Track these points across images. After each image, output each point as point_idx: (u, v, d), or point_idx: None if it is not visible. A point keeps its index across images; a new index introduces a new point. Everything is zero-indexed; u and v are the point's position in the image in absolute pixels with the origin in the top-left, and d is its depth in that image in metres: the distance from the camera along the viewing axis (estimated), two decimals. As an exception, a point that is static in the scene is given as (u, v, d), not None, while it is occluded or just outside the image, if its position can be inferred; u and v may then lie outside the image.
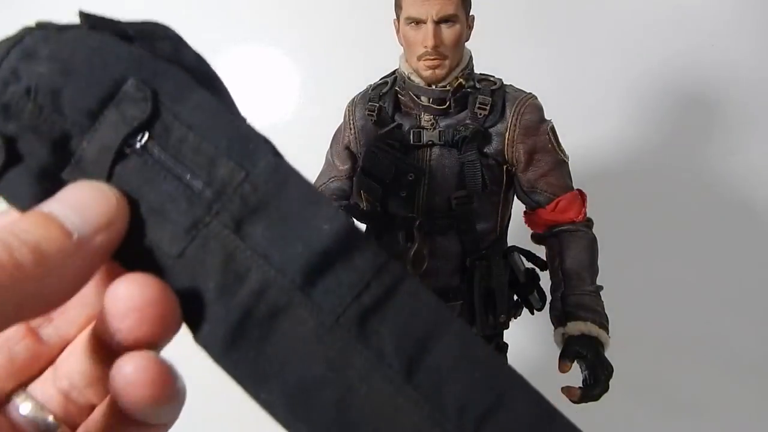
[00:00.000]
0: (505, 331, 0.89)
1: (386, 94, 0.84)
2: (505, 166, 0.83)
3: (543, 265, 0.90)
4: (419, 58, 0.78)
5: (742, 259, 1.44)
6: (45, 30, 0.19)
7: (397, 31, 0.82)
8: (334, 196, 0.90)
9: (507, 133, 0.81)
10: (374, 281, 0.18)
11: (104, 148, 0.19)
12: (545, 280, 0.88)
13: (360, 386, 0.18)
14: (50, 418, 0.19)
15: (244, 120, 0.19)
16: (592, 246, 0.85)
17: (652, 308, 1.42)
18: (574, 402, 0.74)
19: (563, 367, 0.77)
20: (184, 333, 0.19)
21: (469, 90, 0.81)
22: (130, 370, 0.17)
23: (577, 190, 0.86)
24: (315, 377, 0.18)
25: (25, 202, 0.18)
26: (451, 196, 0.81)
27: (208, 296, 0.18)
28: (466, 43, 0.81)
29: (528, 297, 0.88)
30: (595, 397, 0.75)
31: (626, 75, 1.44)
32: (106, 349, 0.19)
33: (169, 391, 0.18)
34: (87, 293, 0.18)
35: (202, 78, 0.20)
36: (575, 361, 0.77)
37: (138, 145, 0.19)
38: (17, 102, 0.18)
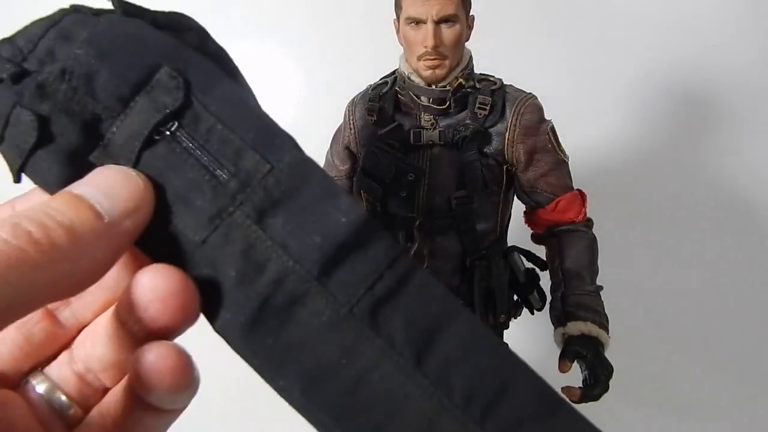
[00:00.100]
0: (505, 331, 0.89)
1: (386, 94, 0.84)
2: (505, 166, 0.83)
3: (543, 265, 0.90)
4: (419, 58, 0.78)
5: (743, 259, 1.44)
6: (82, 13, 0.19)
7: (397, 31, 0.82)
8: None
9: (507, 133, 0.81)
10: (387, 272, 0.19)
11: (134, 134, 0.19)
12: (545, 280, 0.88)
13: (372, 373, 0.18)
14: (63, 398, 0.20)
15: (267, 114, 0.20)
16: (592, 246, 0.85)
17: (652, 308, 1.42)
18: (575, 402, 0.74)
19: (563, 367, 0.77)
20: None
21: (469, 90, 0.81)
22: (152, 358, 0.18)
23: (577, 190, 0.86)
24: (330, 364, 0.18)
25: (52, 183, 0.19)
26: (451, 196, 0.81)
27: (229, 284, 0.19)
28: (466, 43, 0.81)
29: (528, 297, 0.88)
30: (596, 397, 0.75)
31: (626, 75, 1.44)
32: (124, 336, 0.20)
33: (187, 379, 0.19)
34: (105, 278, 0.19)
35: (226, 70, 0.21)
36: (575, 361, 0.77)
37: (167, 133, 0.19)
38: (52, 82, 0.18)
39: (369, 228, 0.19)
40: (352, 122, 0.88)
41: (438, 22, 0.75)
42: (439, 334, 0.19)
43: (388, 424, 0.18)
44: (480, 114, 0.80)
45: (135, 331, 0.19)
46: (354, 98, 0.90)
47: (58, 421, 0.20)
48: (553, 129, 0.83)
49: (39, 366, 0.20)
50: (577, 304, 0.80)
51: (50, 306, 0.21)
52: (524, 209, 0.91)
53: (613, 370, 0.76)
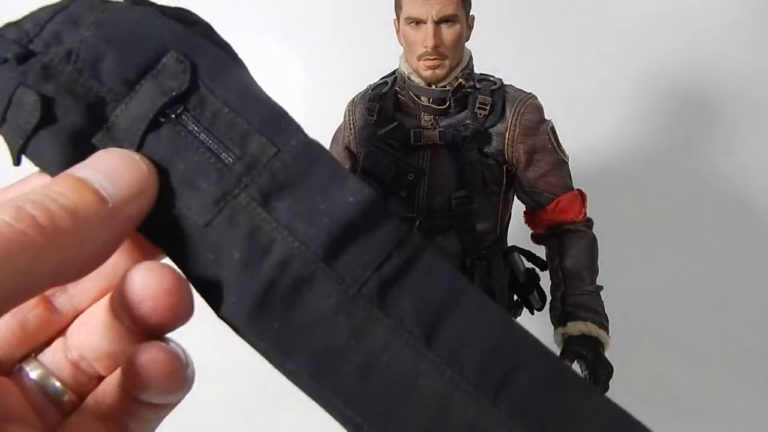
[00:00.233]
0: (505, 331, 0.89)
1: (386, 94, 0.84)
2: (505, 166, 0.83)
3: (543, 265, 0.90)
4: (419, 58, 0.78)
5: (742, 259, 1.44)
6: (90, 0, 0.19)
7: (397, 31, 0.82)
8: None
9: (507, 133, 0.81)
10: (395, 252, 0.19)
11: (138, 117, 0.19)
12: (545, 280, 0.88)
13: (382, 354, 0.18)
14: (57, 384, 0.20)
15: (272, 99, 0.20)
16: (592, 246, 0.85)
17: (652, 308, 1.42)
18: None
19: (563, 367, 0.77)
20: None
21: (469, 90, 0.81)
22: (144, 361, 0.18)
23: (577, 190, 0.86)
24: (339, 346, 0.18)
25: (54, 164, 0.18)
26: (451, 196, 0.81)
27: (233, 268, 0.18)
28: (466, 43, 0.81)
29: (528, 297, 0.88)
30: (595, 397, 0.75)
31: (626, 75, 1.44)
32: (118, 327, 0.19)
33: (179, 381, 0.19)
34: (104, 264, 0.18)
35: (233, 58, 0.21)
36: (575, 361, 0.77)
37: (173, 116, 0.19)
38: (57, 64, 0.18)
39: (376, 208, 0.19)
40: (352, 122, 0.88)
41: (438, 22, 0.75)
42: (449, 313, 0.19)
43: (400, 404, 0.18)
44: (480, 114, 0.80)
45: (128, 325, 0.19)
46: (354, 98, 0.90)
47: (53, 407, 0.20)
48: (553, 129, 0.83)
49: (33, 352, 0.20)
50: (577, 304, 0.80)
51: (47, 291, 0.20)
52: (524, 209, 0.91)
53: (613, 370, 0.76)
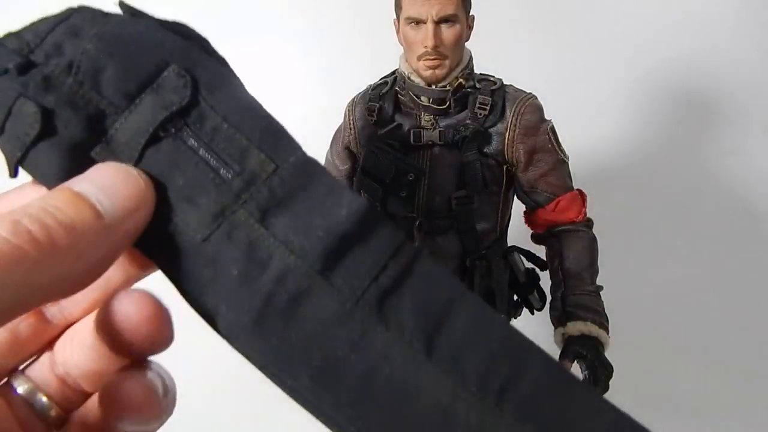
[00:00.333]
0: (505, 331, 0.89)
1: (386, 94, 0.84)
2: (505, 166, 0.83)
3: (543, 265, 0.90)
4: (419, 58, 0.78)
5: (742, 259, 1.44)
6: (91, 12, 0.19)
7: (397, 31, 0.82)
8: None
9: (507, 133, 0.81)
10: (391, 262, 0.19)
11: (138, 131, 0.19)
12: (545, 280, 0.88)
13: (383, 366, 0.18)
14: (44, 399, 0.20)
15: (272, 115, 0.20)
16: (592, 246, 0.85)
17: (652, 308, 1.42)
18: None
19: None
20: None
21: (469, 90, 0.81)
22: (118, 392, 0.18)
23: (577, 190, 0.86)
24: (339, 359, 0.18)
25: (52, 176, 0.18)
26: (451, 196, 0.81)
27: (231, 283, 0.18)
28: (466, 43, 0.81)
29: (528, 297, 0.88)
30: (595, 397, 0.75)
31: (627, 75, 1.44)
32: (102, 348, 0.19)
33: (156, 413, 0.19)
34: None
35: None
36: (575, 361, 0.77)
37: (172, 131, 0.19)
38: (58, 75, 0.18)
39: (370, 218, 0.19)
40: (352, 122, 0.88)
41: (438, 22, 0.75)
42: (448, 320, 0.19)
43: (403, 416, 0.18)
44: (480, 114, 0.80)
45: (111, 348, 0.19)
46: (354, 98, 0.90)
47: (39, 422, 0.19)
48: (553, 129, 0.83)
49: (23, 362, 0.20)
50: (577, 304, 0.80)
51: None
52: (524, 209, 0.91)
53: (613, 370, 0.76)
